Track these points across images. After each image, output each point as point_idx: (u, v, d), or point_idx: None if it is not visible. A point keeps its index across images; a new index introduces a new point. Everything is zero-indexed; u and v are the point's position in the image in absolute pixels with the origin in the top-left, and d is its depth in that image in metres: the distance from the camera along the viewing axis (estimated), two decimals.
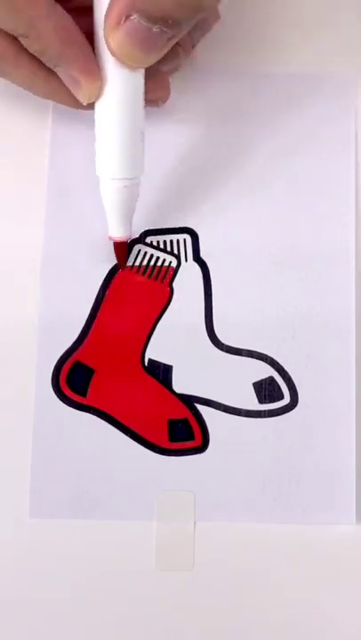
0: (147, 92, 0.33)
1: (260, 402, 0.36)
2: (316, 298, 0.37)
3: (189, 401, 0.37)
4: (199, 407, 0.37)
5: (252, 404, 0.36)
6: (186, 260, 0.37)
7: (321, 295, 0.37)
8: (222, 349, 0.37)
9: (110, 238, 0.36)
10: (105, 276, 0.37)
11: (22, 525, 0.36)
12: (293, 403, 0.36)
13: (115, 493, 0.36)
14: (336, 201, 0.38)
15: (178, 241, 0.37)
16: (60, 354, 0.37)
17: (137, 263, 0.37)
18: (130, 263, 0.37)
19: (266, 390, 0.36)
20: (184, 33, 0.31)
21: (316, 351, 0.37)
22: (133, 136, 0.33)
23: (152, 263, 0.37)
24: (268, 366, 0.37)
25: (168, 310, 0.37)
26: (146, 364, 0.37)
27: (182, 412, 0.36)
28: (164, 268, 0.37)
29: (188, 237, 0.37)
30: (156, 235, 0.37)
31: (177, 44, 0.34)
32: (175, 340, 0.37)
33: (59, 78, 0.32)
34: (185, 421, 0.36)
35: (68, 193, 0.38)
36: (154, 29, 0.29)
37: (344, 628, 0.36)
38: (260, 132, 0.38)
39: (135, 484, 0.36)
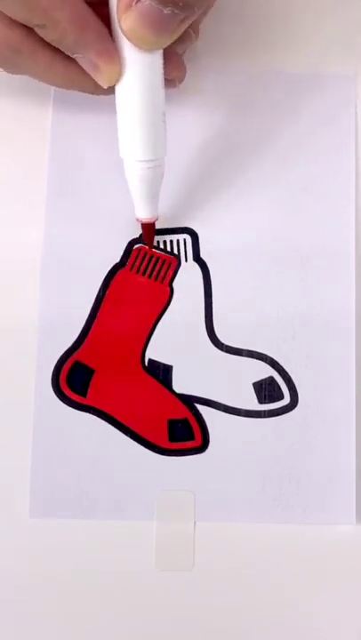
0: (165, 73, 0.32)
1: (260, 402, 0.36)
2: (316, 298, 0.37)
3: (189, 401, 0.37)
4: (199, 407, 0.37)
5: (252, 404, 0.36)
6: (186, 260, 0.37)
7: (321, 295, 0.37)
8: (222, 349, 0.37)
9: (138, 220, 0.36)
10: (105, 276, 0.37)
11: (22, 525, 0.36)
12: (293, 403, 0.36)
13: (115, 493, 0.36)
14: (336, 201, 0.38)
15: (178, 241, 0.37)
16: (60, 354, 0.37)
17: (137, 263, 0.37)
18: (130, 263, 0.37)
19: (266, 390, 0.36)
20: (197, 14, 0.31)
21: (316, 351, 0.37)
22: (155, 117, 0.33)
23: (152, 263, 0.37)
24: (268, 366, 0.37)
25: (168, 310, 0.37)
26: (146, 364, 0.37)
27: (182, 412, 0.36)
28: (164, 268, 0.37)
29: (188, 237, 0.37)
30: (156, 235, 0.37)
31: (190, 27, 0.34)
32: (175, 340, 0.37)
33: (77, 66, 0.32)
34: (185, 421, 0.36)
35: (68, 192, 0.38)
36: (165, 11, 0.29)
37: (344, 628, 0.36)
38: (259, 132, 0.38)
39: (135, 484, 0.36)
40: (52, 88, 0.36)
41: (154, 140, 0.33)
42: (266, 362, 0.37)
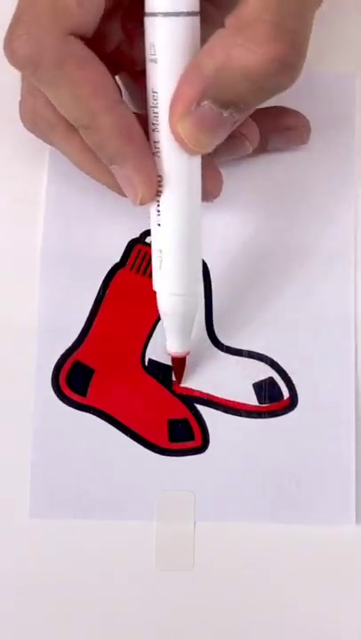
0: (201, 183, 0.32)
1: (261, 402, 0.36)
2: (316, 298, 0.37)
3: (189, 401, 0.37)
4: (199, 407, 0.37)
5: (252, 404, 0.36)
6: None
7: (321, 295, 0.37)
8: (222, 349, 0.37)
9: (169, 353, 0.35)
10: (105, 276, 0.37)
11: (22, 525, 0.36)
12: (293, 403, 0.36)
13: (115, 493, 0.36)
14: (336, 201, 0.38)
15: None
16: (60, 354, 0.37)
17: (137, 263, 0.37)
18: (130, 263, 0.37)
19: (266, 390, 0.36)
20: (247, 116, 0.30)
21: (316, 351, 0.37)
22: (192, 245, 0.32)
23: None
24: (268, 366, 0.37)
25: None
26: (146, 363, 0.37)
27: (182, 412, 0.36)
28: None
29: None
30: None
31: (246, 138, 0.34)
32: None
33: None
34: (185, 421, 0.36)
35: (68, 191, 0.38)
36: (224, 114, 0.28)
37: (344, 628, 0.36)
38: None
39: (135, 483, 0.36)
40: None
41: (190, 272, 0.33)
42: (266, 362, 0.37)
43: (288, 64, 0.27)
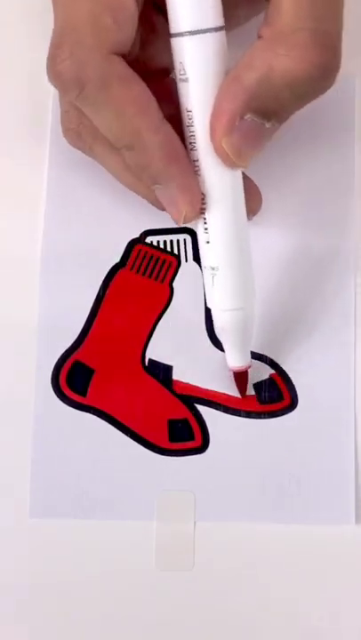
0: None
1: (261, 402, 0.36)
2: (316, 298, 0.37)
3: (189, 401, 0.37)
4: (199, 407, 0.37)
5: (253, 404, 0.36)
6: (186, 260, 0.37)
7: (321, 295, 0.37)
8: (222, 349, 0.37)
9: (230, 368, 0.35)
10: (105, 276, 0.37)
11: (22, 525, 0.36)
12: (293, 403, 0.36)
13: (115, 493, 0.36)
14: (336, 201, 0.38)
15: (178, 241, 0.37)
16: (60, 354, 0.37)
17: (137, 263, 0.37)
18: (130, 263, 0.37)
19: (266, 391, 0.36)
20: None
21: (317, 351, 0.37)
22: (243, 258, 0.32)
23: (152, 263, 0.37)
24: (268, 367, 0.37)
25: (168, 310, 0.37)
26: (146, 364, 0.37)
27: (182, 413, 0.36)
28: (164, 268, 0.37)
29: (188, 237, 0.37)
30: (156, 235, 0.37)
31: None
32: (175, 340, 0.37)
33: None
34: (185, 421, 0.36)
35: (68, 192, 0.38)
36: (267, 125, 0.29)
37: (344, 628, 0.36)
38: None
39: (135, 483, 0.36)
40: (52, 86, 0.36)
41: (242, 286, 0.33)
42: (266, 362, 0.37)
43: (330, 68, 0.28)
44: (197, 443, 0.36)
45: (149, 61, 0.32)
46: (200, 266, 0.37)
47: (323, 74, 0.28)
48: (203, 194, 0.31)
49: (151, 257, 0.37)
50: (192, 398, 0.37)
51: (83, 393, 0.37)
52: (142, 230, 0.37)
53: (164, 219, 0.37)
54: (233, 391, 0.36)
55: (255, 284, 0.33)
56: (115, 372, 0.37)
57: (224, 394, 0.36)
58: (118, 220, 0.37)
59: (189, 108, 0.30)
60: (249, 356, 0.35)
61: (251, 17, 0.33)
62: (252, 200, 0.34)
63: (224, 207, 0.31)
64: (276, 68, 0.27)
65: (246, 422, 0.36)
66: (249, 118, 0.28)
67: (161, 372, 0.37)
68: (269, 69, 0.27)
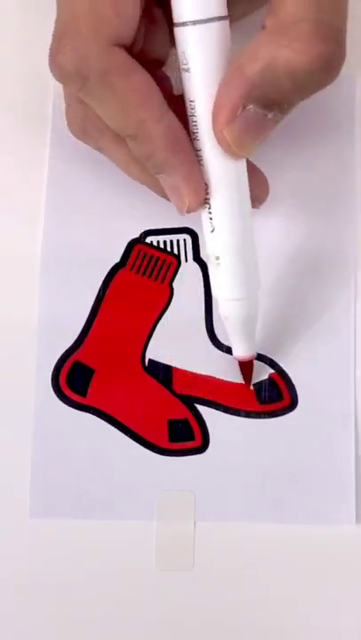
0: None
1: (261, 402, 0.36)
2: (317, 298, 0.37)
3: (189, 401, 0.37)
4: (199, 407, 0.37)
5: (252, 404, 0.36)
6: (186, 260, 0.37)
7: (321, 295, 0.37)
8: (222, 349, 0.37)
9: (235, 358, 0.35)
10: (105, 276, 0.37)
11: (22, 525, 0.36)
12: (293, 403, 0.36)
13: (115, 493, 0.36)
14: (337, 201, 0.38)
15: (178, 241, 0.37)
16: (60, 354, 0.37)
17: (137, 263, 0.37)
18: (130, 263, 0.37)
19: (266, 391, 0.36)
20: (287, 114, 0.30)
21: (317, 351, 0.37)
22: (248, 248, 0.32)
23: (152, 263, 0.37)
24: (268, 367, 0.37)
25: (168, 310, 0.37)
26: (146, 364, 0.37)
27: (182, 413, 0.37)
28: (164, 268, 0.37)
29: (188, 237, 0.37)
30: (156, 235, 0.37)
31: None
32: (175, 340, 0.37)
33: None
34: (185, 421, 0.36)
35: (68, 191, 0.38)
36: (269, 116, 0.29)
37: (344, 628, 0.36)
38: None
39: (135, 483, 0.36)
40: (52, 83, 0.36)
41: (246, 275, 0.33)
42: (266, 362, 0.37)
43: (332, 60, 0.28)
44: (197, 443, 0.36)
45: (149, 53, 0.32)
46: (200, 266, 0.37)
47: (325, 66, 0.28)
48: (206, 183, 0.31)
49: (151, 257, 0.37)
50: (192, 398, 0.37)
51: (83, 393, 0.37)
52: (142, 230, 0.37)
53: (164, 219, 0.37)
54: (233, 391, 0.36)
55: (259, 274, 0.33)
56: (115, 372, 0.37)
57: (224, 394, 0.36)
58: (118, 220, 0.37)
59: (192, 98, 0.30)
60: (254, 345, 0.35)
61: (248, 14, 0.33)
62: (259, 188, 0.34)
63: (228, 196, 0.31)
64: (279, 59, 0.27)
65: (246, 422, 0.36)
66: (251, 109, 0.28)
67: (161, 372, 0.37)
68: (272, 60, 0.27)
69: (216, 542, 0.36)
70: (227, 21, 0.29)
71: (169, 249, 0.37)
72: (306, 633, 0.36)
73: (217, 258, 0.32)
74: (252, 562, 0.36)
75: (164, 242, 0.37)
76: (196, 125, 0.30)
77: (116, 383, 0.37)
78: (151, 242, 0.37)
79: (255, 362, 0.36)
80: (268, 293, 0.37)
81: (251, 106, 0.28)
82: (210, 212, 0.32)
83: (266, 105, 0.28)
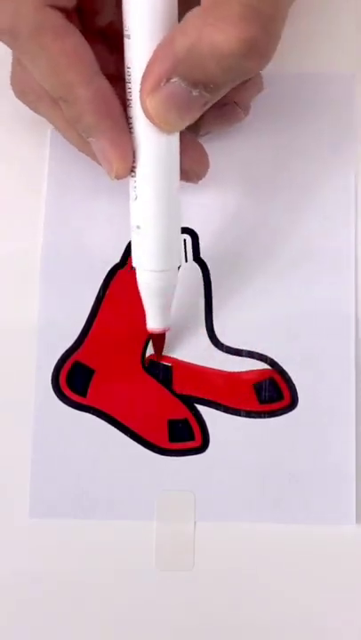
0: (184, 163, 0.32)
1: (261, 402, 0.36)
2: (317, 298, 0.37)
3: (189, 401, 0.37)
4: (199, 407, 0.37)
5: (253, 404, 0.36)
6: (186, 260, 0.37)
7: (321, 295, 0.37)
8: (222, 349, 0.37)
9: (148, 330, 0.35)
10: (105, 276, 0.37)
11: (22, 525, 0.36)
12: (293, 403, 0.36)
13: (115, 493, 0.36)
14: (336, 201, 0.38)
15: None
16: (60, 354, 0.37)
17: None
18: (130, 263, 0.37)
19: (266, 391, 0.36)
20: (219, 98, 0.30)
21: (317, 351, 0.37)
22: (169, 220, 0.32)
23: None
24: (268, 366, 0.37)
25: None
26: (146, 364, 0.37)
27: (182, 413, 0.37)
28: None
29: (188, 237, 0.37)
30: None
31: (238, 105, 0.34)
32: (175, 341, 0.37)
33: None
34: (185, 421, 0.36)
35: (68, 192, 0.38)
36: (193, 93, 0.28)
37: (344, 629, 0.36)
38: (259, 133, 0.38)
39: (135, 484, 0.36)
40: None
41: (168, 248, 0.32)
42: (266, 362, 0.37)
43: (257, 47, 0.27)
44: (197, 443, 0.36)
45: (102, 21, 0.33)
46: (200, 266, 0.37)
47: (249, 51, 0.27)
48: (135, 151, 0.31)
49: None
50: (192, 398, 0.37)
51: (83, 393, 0.37)
52: None
53: None
54: (233, 391, 0.36)
55: (181, 248, 0.33)
56: (115, 373, 0.37)
57: (224, 394, 0.36)
58: (118, 220, 0.37)
59: (128, 65, 0.30)
60: (169, 318, 0.35)
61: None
62: (197, 163, 0.34)
63: (152, 167, 0.31)
64: (204, 37, 0.27)
65: (246, 422, 0.36)
66: (175, 82, 0.28)
67: (161, 372, 0.37)
68: (198, 38, 0.27)
69: (216, 542, 0.36)
70: None
71: None
72: (306, 633, 0.36)
73: (138, 227, 0.32)
74: (252, 562, 0.36)
75: None
76: (130, 92, 0.30)
77: (116, 383, 0.37)
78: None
79: (255, 361, 0.36)
80: (269, 293, 0.37)
81: (175, 79, 0.28)
82: (135, 181, 0.31)
83: (191, 81, 0.28)
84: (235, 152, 0.38)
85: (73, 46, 0.29)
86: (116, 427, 0.36)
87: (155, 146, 0.31)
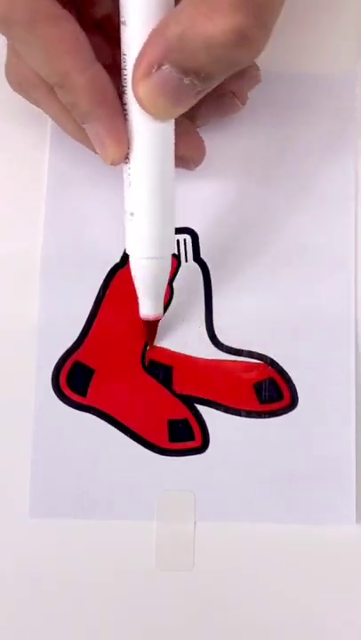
0: (180, 150, 0.32)
1: (261, 402, 0.36)
2: (317, 298, 0.37)
3: (189, 401, 0.37)
4: (199, 407, 0.37)
5: (253, 404, 0.36)
6: (186, 260, 0.37)
7: (321, 295, 0.37)
8: (222, 349, 0.37)
9: (141, 317, 0.35)
10: (105, 276, 0.37)
11: (22, 525, 0.36)
12: (293, 403, 0.36)
13: (115, 493, 0.36)
14: (336, 200, 0.38)
15: (178, 241, 0.37)
16: (60, 354, 0.37)
17: None
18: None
19: (266, 391, 0.36)
20: (212, 88, 0.30)
21: (317, 351, 0.37)
22: (163, 208, 0.32)
23: None
24: (268, 367, 0.37)
25: (168, 310, 0.37)
26: (146, 364, 0.37)
27: (182, 412, 0.37)
28: None
29: (188, 237, 0.37)
30: None
31: (235, 96, 0.34)
32: (175, 341, 0.37)
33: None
34: (185, 421, 0.36)
35: (68, 191, 0.38)
36: (185, 81, 0.28)
37: (344, 629, 0.36)
38: (259, 133, 0.38)
39: (135, 484, 0.36)
40: None
41: (161, 235, 0.32)
42: (266, 362, 0.37)
43: (249, 38, 0.27)
44: (197, 443, 0.36)
45: (98, 11, 0.33)
46: (200, 266, 0.37)
47: (240, 42, 0.27)
48: (129, 138, 0.31)
49: None
50: (192, 398, 0.37)
51: (83, 393, 0.37)
52: None
53: None
54: (233, 391, 0.36)
55: (174, 237, 0.33)
56: (115, 372, 0.37)
57: (224, 393, 0.36)
58: (118, 220, 0.37)
59: (125, 52, 0.30)
60: (162, 306, 0.35)
61: None
62: (194, 150, 0.34)
63: (146, 154, 0.31)
64: (196, 26, 0.27)
65: (246, 422, 0.36)
66: (166, 69, 0.28)
67: (161, 372, 0.37)
68: (190, 26, 0.27)
69: (216, 542, 0.36)
70: None
71: None
72: (306, 633, 0.36)
73: (131, 214, 0.32)
74: (252, 562, 0.36)
75: None
76: (125, 79, 0.30)
77: (116, 383, 0.37)
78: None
79: (255, 361, 0.36)
80: (268, 293, 0.37)
81: (166, 66, 0.28)
82: (129, 167, 0.31)
83: (182, 69, 0.28)
84: (235, 152, 0.38)
85: (68, 33, 0.29)
86: (116, 427, 0.36)
87: (149, 133, 0.31)
